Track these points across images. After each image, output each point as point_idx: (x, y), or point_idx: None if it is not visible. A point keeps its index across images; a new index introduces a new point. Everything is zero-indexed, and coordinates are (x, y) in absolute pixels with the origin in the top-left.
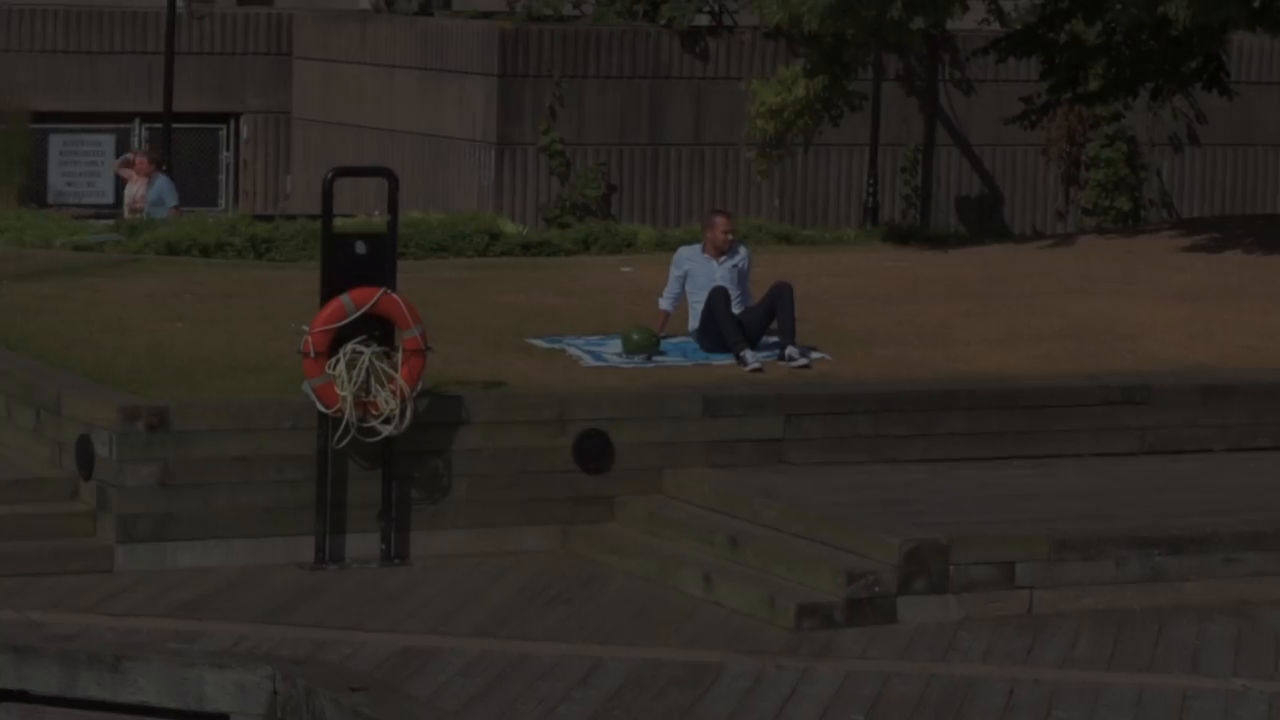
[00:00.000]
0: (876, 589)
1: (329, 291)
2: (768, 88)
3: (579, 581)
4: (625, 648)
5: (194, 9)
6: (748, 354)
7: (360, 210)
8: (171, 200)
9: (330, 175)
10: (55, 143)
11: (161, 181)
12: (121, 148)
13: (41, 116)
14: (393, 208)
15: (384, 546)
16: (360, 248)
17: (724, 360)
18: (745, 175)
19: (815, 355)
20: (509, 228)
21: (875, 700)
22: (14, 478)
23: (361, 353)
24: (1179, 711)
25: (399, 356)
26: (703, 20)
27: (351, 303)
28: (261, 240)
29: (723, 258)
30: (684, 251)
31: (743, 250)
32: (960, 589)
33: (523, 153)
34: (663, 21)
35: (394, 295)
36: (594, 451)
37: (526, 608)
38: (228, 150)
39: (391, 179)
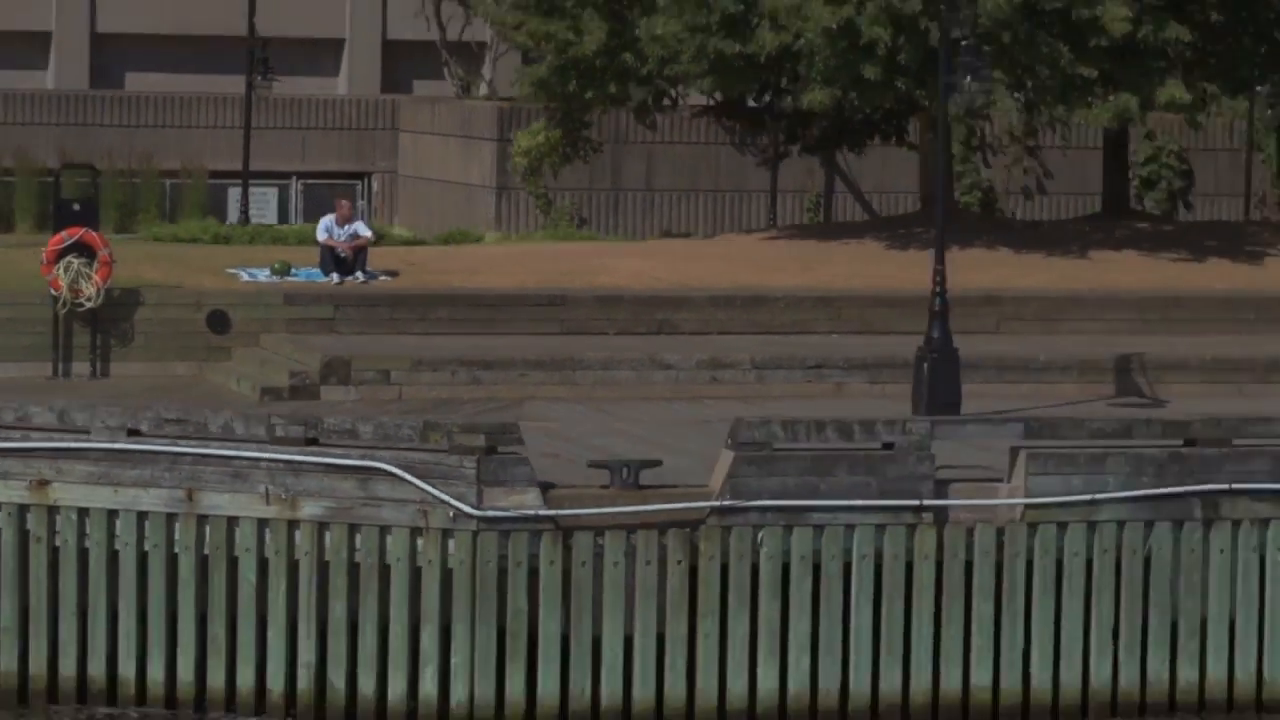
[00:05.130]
0: (307, 381)
1: (55, 229)
2: (524, 135)
3: (185, 386)
4: (159, 397)
5: (259, 91)
6: (334, 275)
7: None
8: None
9: (58, 169)
10: (233, 194)
11: None
12: (281, 198)
13: (219, 174)
14: (95, 187)
15: (92, 369)
16: (76, 207)
17: (326, 279)
18: (685, 212)
19: (382, 277)
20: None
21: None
22: None
23: (73, 263)
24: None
25: (95, 265)
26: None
27: (67, 235)
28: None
29: (346, 226)
30: (324, 220)
31: (359, 222)
32: (357, 384)
33: (515, 195)
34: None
35: (93, 233)
36: (218, 322)
37: (145, 394)
38: (363, 200)
39: (94, 172)
